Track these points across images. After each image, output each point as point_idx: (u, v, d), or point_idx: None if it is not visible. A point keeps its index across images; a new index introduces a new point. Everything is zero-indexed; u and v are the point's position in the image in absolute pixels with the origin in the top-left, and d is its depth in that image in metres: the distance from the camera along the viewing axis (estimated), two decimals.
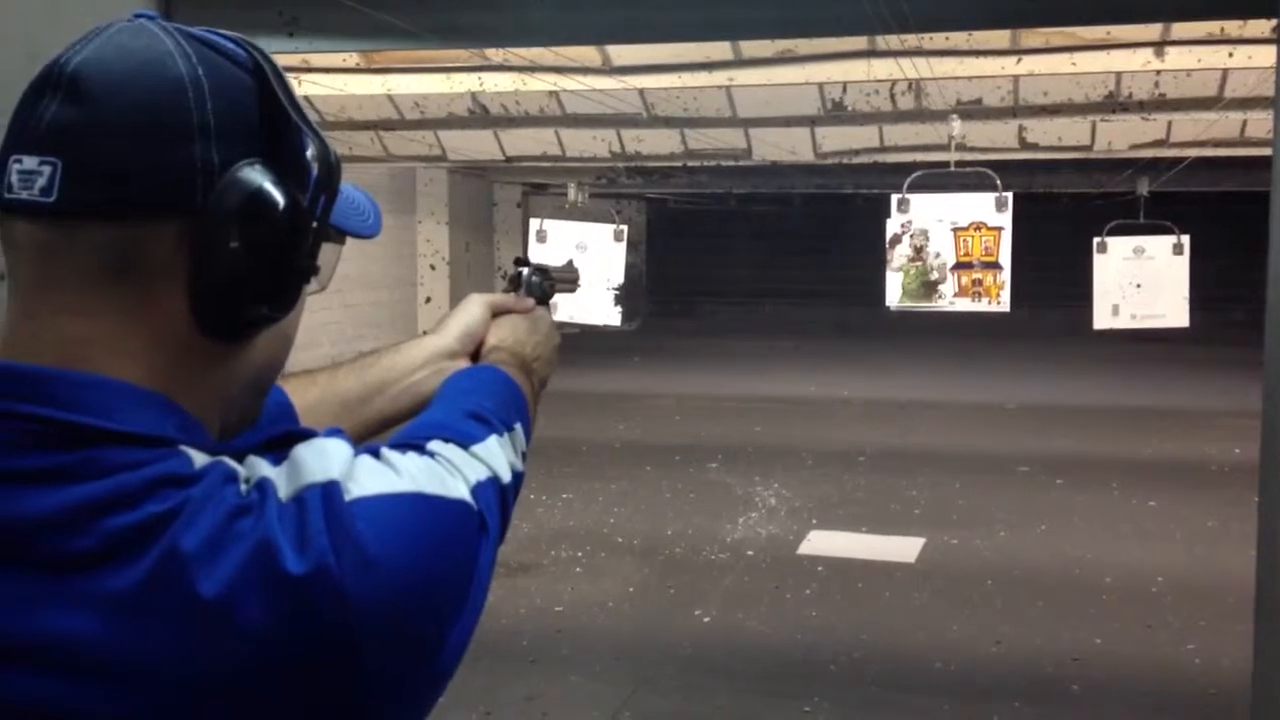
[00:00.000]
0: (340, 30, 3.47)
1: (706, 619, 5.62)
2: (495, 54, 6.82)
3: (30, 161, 0.79)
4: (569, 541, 6.83)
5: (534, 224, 7.31)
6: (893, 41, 5.06)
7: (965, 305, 6.42)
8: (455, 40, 4.10)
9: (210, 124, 0.81)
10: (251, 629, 0.74)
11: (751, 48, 6.92)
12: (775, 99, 7.76)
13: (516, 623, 5.47)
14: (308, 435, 0.84)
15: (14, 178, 0.80)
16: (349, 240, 1.07)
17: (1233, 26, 6.05)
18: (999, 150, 8.95)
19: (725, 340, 16.55)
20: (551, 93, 7.88)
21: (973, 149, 8.61)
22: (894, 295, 6.47)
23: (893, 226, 6.38)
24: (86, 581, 0.74)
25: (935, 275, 6.36)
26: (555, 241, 7.01)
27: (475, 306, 1.38)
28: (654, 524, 7.22)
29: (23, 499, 0.75)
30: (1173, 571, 6.25)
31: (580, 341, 11.68)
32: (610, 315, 6.86)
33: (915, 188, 6.48)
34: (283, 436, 0.84)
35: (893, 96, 7.69)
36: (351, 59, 7.37)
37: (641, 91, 7.71)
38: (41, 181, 0.79)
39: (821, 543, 6.86)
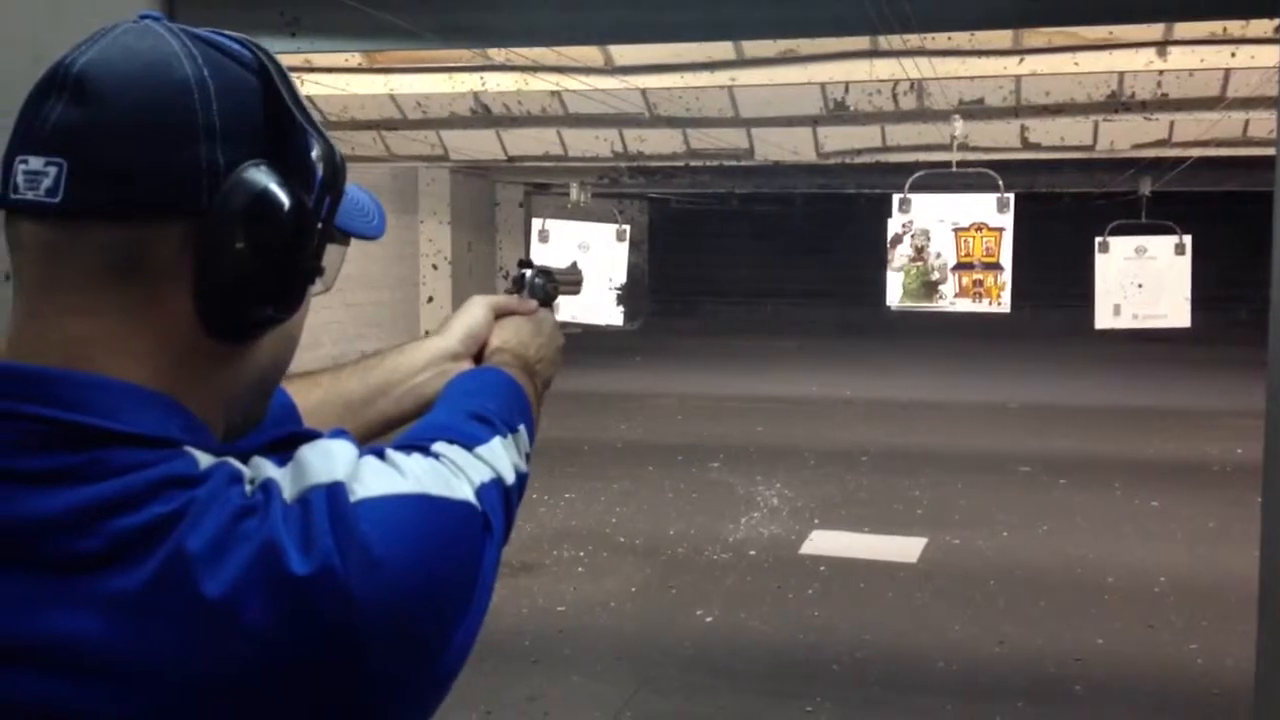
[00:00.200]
0: (342, 30, 3.47)
1: (709, 619, 5.62)
2: (497, 54, 6.82)
3: (36, 162, 0.79)
4: (571, 541, 6.83)
5: (536, 224, 7.30)
6: (895, 41, 5.06)
7: (966, 306, 6.41)
8: (457, 40, 4.11)
9: (216, 125, 0.81)
10: (256, 629, 0.74)
11: (754, 47, 6.92)
12: (777, 99, 7.76)
13: (518, 622, 5.47)
14: (312, 436, 0.85)
15: (19, 178, 0.80)
16: (351, 240, 1.07)
17: (1235, 26, 6.05)
18: (1001, 150, 8.95)
19: (727, 340, 16.55)
20: (554, 92, 7.88)
21: (975, 149, 8.61)
22: (894, 295, 6.46)
23: (894, 226, 6.37)
24: (92, 582, 0.74)
25: (936, 275, 6.35)
26: (557, 241, 7.00)
27: (478, 308, 1.38)
28: (656, 524, 7.22)
29: (28, 500, 0.75)
30: (1175, 571, 6.25)
31: (583, 341, 11.68)
32: (613, 315, 6.85)
33: (917, 188, 6.47)
34: (287, 437, 0.84)
35: (895, 96, 7.69)
36: (354, 59, 7.37)
37: (644, 91, 7.71)
38: (47, 182, 0.79)
39: (824, 542, 6.86)
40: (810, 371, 13.62)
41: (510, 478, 0.96)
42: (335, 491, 0.78)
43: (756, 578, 6.23)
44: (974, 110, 7.64)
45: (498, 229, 15.48)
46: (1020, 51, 6.78)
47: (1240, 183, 11.20)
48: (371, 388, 1.31)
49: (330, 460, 0.81)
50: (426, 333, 1.41)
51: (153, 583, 0.74)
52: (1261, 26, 5.65)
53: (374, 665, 0.77)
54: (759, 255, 18.91)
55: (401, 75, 7.73)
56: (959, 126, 7.18)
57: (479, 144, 9.75)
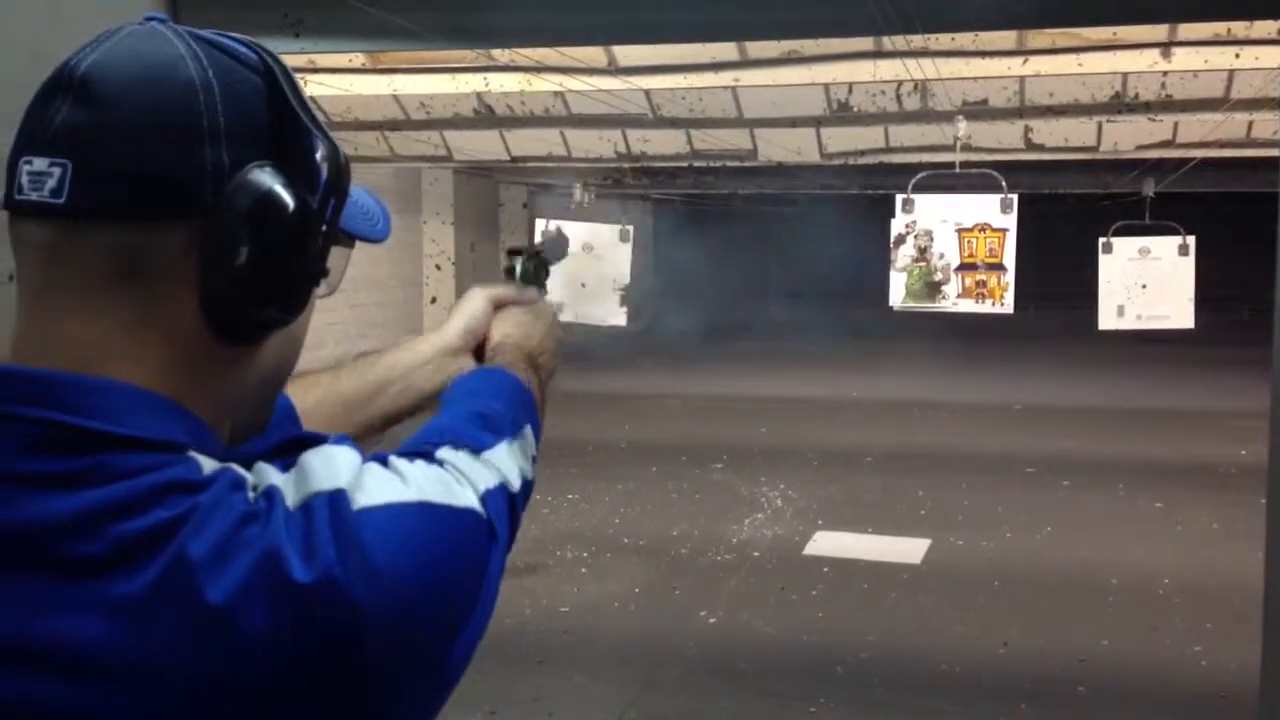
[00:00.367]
0: (346, 31, 3.47)
1: (712, 620, 5.62)
2: (501, 54, 6.81)
3: (40, 163, 0.79)
4: (575, 542, 6.83)
5: (539, 224, 7.31)
6: (899, 42, 5.06)
7: (969, 306, 6.41)
8: (461, 41, 4.10)
9: (221, 127, 0.81)
10: (257, 636, 0.74)
11: (757, 48, 6.91)
12: (781, 99, 7.75)
13: (522, 623, 5.48)
14: (316, 441, 0.84)
15: (24, 179, 0.80)
16: (356, 243, 1.07)
17: (1239, 27, 6.04)
18: (1005, 151, 8.93)
19: (730, 341, 16.55)
20: (557, 93, 7.88)
21: (978, 149, 8.60)
22: (897, 295, 6.46)
23: (897, 227, 6.37)
24: (94, 586, 0.74)
25: (939, 276, 6.35)
26: None
27: (477, 301, 1.37)
28: (660, 525, 7.21)
29: (31, 503, 0.75)
30: (1179, 573, 6.24)
31: (586, 342, 11.68)
32: (616, 315, 6.85)
33: (920, 188, 6.46)
34: (292, 442, 0.84)
35: (898, 97, 7.68)
36: (357, 59, 7.37)
37: (647, 92, 7.71)
38: (52, 183, 0.79)
39: (827, 544, 6.85)
40: (814, 372, 13.62)
41: (516, 483, 0.95)
42: (338, 499, 0.78)
43: (760, 579, 6.22)
44: (978, 111, 7.63)
45: (501, 229, 15.47)
46: (1024, 52, 6.77)
47: (1244, 184, 11.19)
48: (370, 385, 1.31)
49: (333, 467, 0.80)
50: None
51: (155, 588, 0.73)
52: (1266, 28, 5.65)
53: (375, 673, 0.77)
54: (762, 256, 18.90)
55: (405, 76, 7.73)
56: (962, 127, 7.18)
57: (482, 144, 9.74)
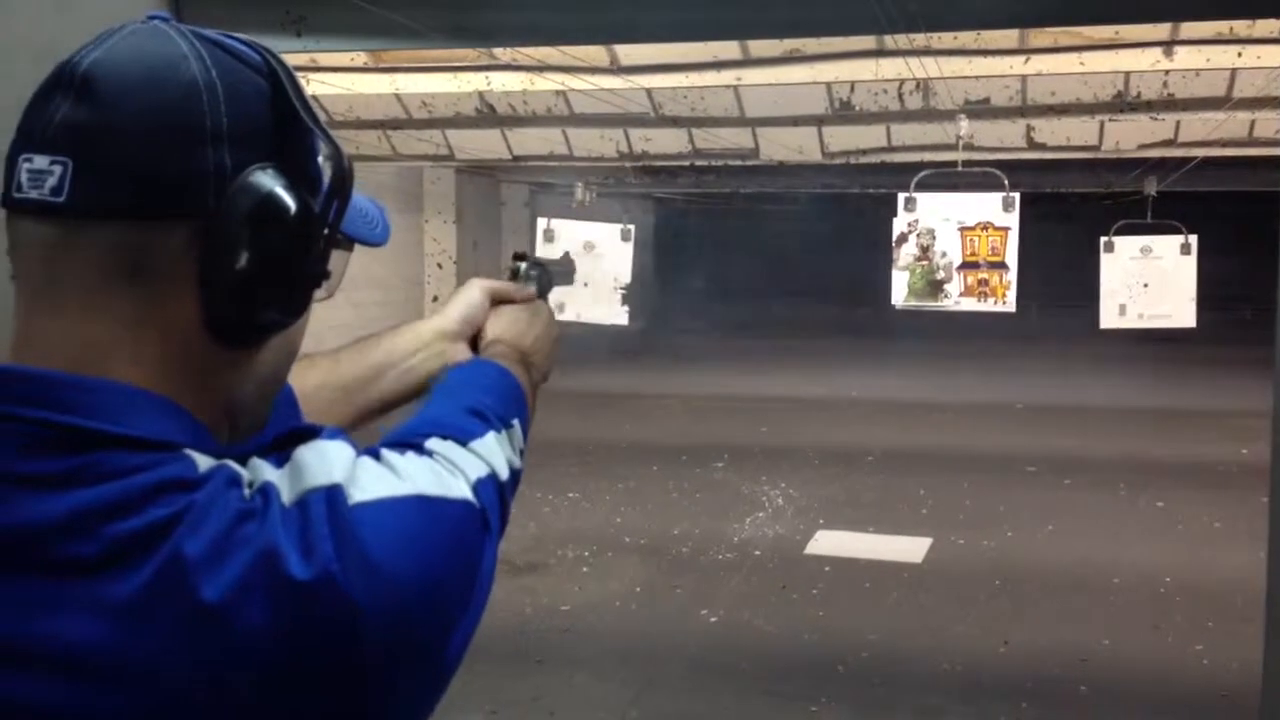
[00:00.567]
0: (348, 29, 3.47)
1: (713, 619, 5.62)
2: (503, 54, 6.81)
3: (41, 161, 0.79)
4: (575, 541, 6.83)
5: (541, 223, 7.29)
6: (901, 41, 5.05)
7: (971, 305, 6.40)
8: (463, 40, 4.10)
9: (224, 127, 0.81)
10: (254, 634, 0.73)
11: (759, 47, 6.91)
12: (783, 98, 7.75)
13: (523, 622, 5.48)
14: (310, 434, 0.84)
15: (23, 177, 0.80)
16: (355, 246, 1.07)
17: (1242, 26, 6.03)
18: (1006, 150, 8.92)
19: (731, 340, 16.55)
20: (559, 92, 7.87)
21: (980, 148, 8.59)
22: (899, 294, 6.45)
23: (899, 225, 6.36)
24: (90, 586, 0.73)
25: (941, 275, 6.34)
26: (562, 241, 6.99)
27: (475, 291, 1.37)
28: (661, 524, 7.21)
29: (26, 503, 0.75)
30: (1180, 572, 6.24)
31: (587, 341, 11.68)
32: (617, 315, 6.85)
33: (922, 187, 6.46)
34: (285, 436, 0.84)
35: (900, 96, 7.67)
36: (359, 58, 7.37)
37: (649, 91, 7.71)
38: (52, 181, 0.78)
39: (828, 543, 6.85)
40: (815, 371, 13.61)
41: (505, 473, 0.95)
42: (334, 495, 0.78)
43: (761, 578, 6.22)
44: (979, 110, 7.63)
45: (503, 228, 15.48)
46: (1026, 51, 6.77)
47: (1246, 183, 11.19)
48: (369, 369, 1.31)
49: (327, 462, 0.80)
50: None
51: (151, 587, 0.73)
52: (1268, 27, 5.64)
53: (374, 669, 0.77)
54: (764, 255, 18.89)
55: (407, 75, 7.73)
56: (964, 126, 7.18)
57: (484, 143, 9.73)
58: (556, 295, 1.54)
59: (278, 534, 0.75)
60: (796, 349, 15.55)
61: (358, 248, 1.08)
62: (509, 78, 7.61)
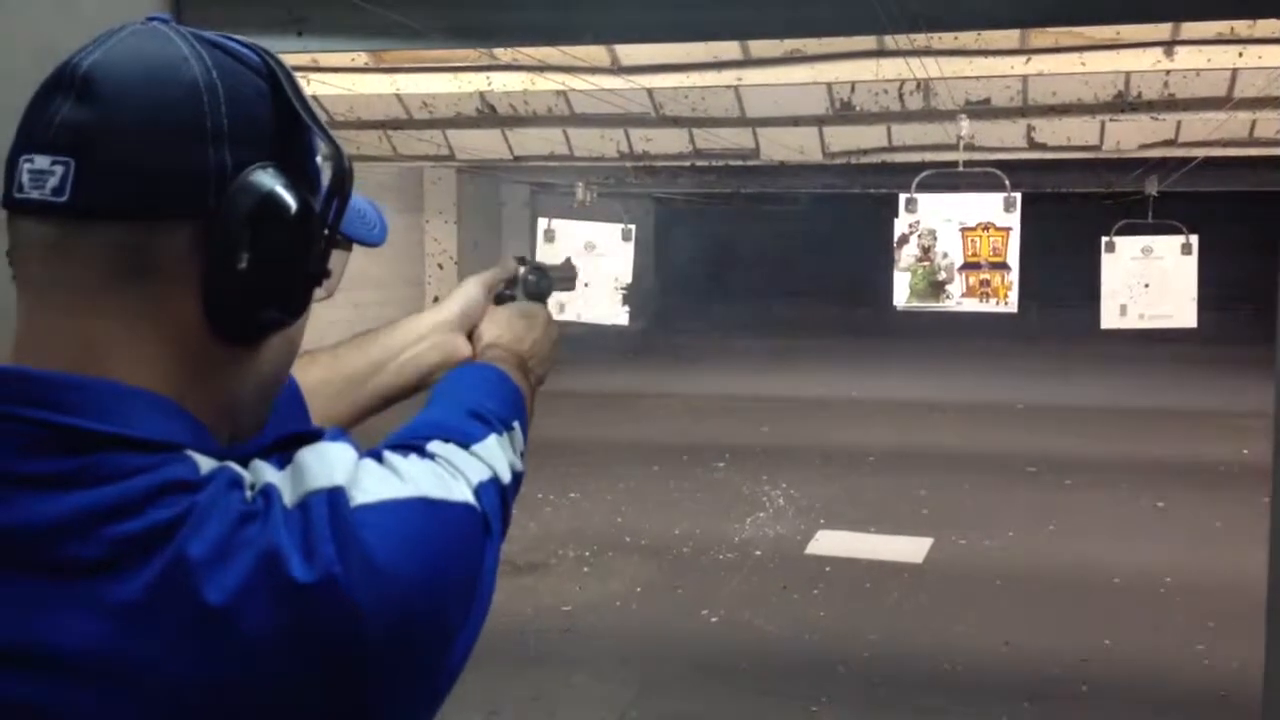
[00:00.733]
0: (349, 30, 3.47)
1: (714, 619, 5.62)
2: (503, 54, 6.81)
3: (42, 161, 0.79)
4: (576, 541, 6.83)
5: (542, 223, 7.29)
6: (901, 41, 5.05)
7: (973, 305, 6.40)
8: (464, 40, 4.10)
9: (224, 127, 0.81)
10: (257, 637, 0.73)
11: (760, 47, 6.90)
12: (783, 99, 7.75)
13: (524, 622, 5.48)
14: (312, 437, 0.84)
15: (25, 177, 0.80)
16: (354, 247, 1.07)
17: (1242, 26, 6.03)
18: (1007, 150, 8.92)
19: (732, 340, 16.55)
20: (559, 92, 7.87)
21: (981, 149, 8.59)
22: (901, 295, 6.45)
23: (900, 226, 6.36)
24: (92, 588, 0.73)
25: (943, 275, 6.34)
26: (563, 241, 7.00)
27: (472, 287, 1.39)
28: (661, 524, 7.21)
29: (27, 504, 0.75)
30: (1181, 572, 6.24)
31: (588, 341, 11.68)
32: (618, 315, 6.84)
33: (923, 187, 6.46)
34: (287, 438, 0.84)
35: (901, 96, 7.67)
36: (360, 58, 7.37)
37: (650, 91, 7.70)
38: (54, 181, 0.78)
39: (829, 543, 6.85)
40: (816, 372, 13.61)
41: (506, 476, 0.95)
42: (336, 497, 0.78)
43: (762, 578, 6.22)
44: (980, 110, 7.63)
45: (503, 228, 15.48)
46: (1027, 51, 6.77)
47: (1247, 183, 11.18)
48: (371, 363, 1.32)
49: (329, 464, 0.80)
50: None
51: (154, 589, 0.73)
52: (1269, 27, 5.63)
53: (376, 672, 0.76)
54: (764, 255, 18.89)
55: (407, 75, 7.72)
56: (965, 126, 7.17)
57: (485, 144, 9.73)
58: (556, 295, 1.54)
59: (280, 536, 0.75)
60: (797, 349, 15.55)
61: (356, 248, 1.08)
62: (510, 78, 7.61)
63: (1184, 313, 6.98)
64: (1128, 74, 7.14)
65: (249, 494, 0.78)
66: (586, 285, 6.47)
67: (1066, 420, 10.58)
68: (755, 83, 7.47)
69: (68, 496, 0.75)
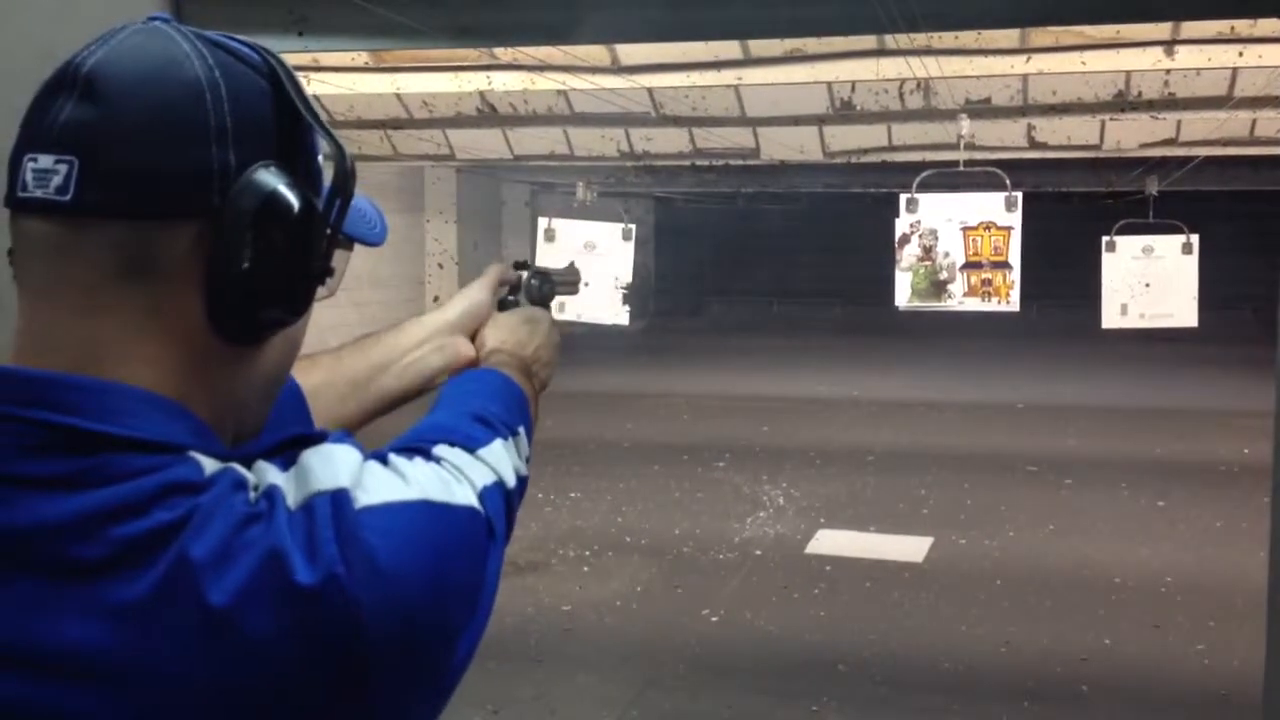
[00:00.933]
0: (350, 29, 3.47)
1: (714, 619, 5.62)
2: (504, 53, 6.81)
3: (46, 160, 0.79)
4: (577, 541, 6.83)
5: (542, 223, 7.30)
6: (901, 40, 5.05)
7: (974, 305, 6.40)
8: (464, 39, 4.10)
9: (227, 126, 0.81)
10: (260, 638, 0.73)
11: (760, 47, 6.90)
12: (784, 98, 7.75)
13: (524, 622, 5.48)
14: (317, 439, 0.84)
15: (29, 176, 0.80)
16: (355, 246, 1.07)
17: (1243, 26, 6.03)
18: (1008, 149, 8.92)
19: (733, 340, 16.55)
20: (560, 92, 7.87)
21: (982, 148, 8.59)
22: (903, 295, 6.45)
23: (901, 226, 6.36)
24: (95, 589, 0.73)
25: (944, 275, 6.34)
26: (563, 240, 7.00)
27: (477, 290, 1.40)
28: (662, 523, 7.22)
29: (30, 505, 0.74)
30: (1182, 572, 6.24)
31: (588, 341, 11.68)
32: (618, 314, 6.85)
33: (924, 187, 6.46)
34: (291, 440, 0.84)
35: (901, 95, 7.67)
36: (361, 58, 7.37)
37: (650, 91, 7.70)
38: (57, 180, 0.78)
39: (829, 542, 6.85)
40: (817, 371, 13.61)
41: (511, 480, 0.96)
42: (339, 499, 0.78)
43: (762, 577, 6.23)
44: (981, 109, 7.63)
45: (504, 228, 15.49)
46: (1027, 50, 6.77)
47: (1247, 182, 11.18)
48: (373, 365, 1.32)
49: (333, 466, 0.80)
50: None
51: (156, 591, 0.73)
52: (1269, 26, 5.63)
53: (379, 674, 0.76)
54: (765, 255, 18.89)
55: (408, 75, 7.72)
56: (966, 126, 7.18)
57: (485, 143, 9.74)
58: (558, 296, 1.55)
59: (283, 537, 0.75)
60: (797, 349, 15.55)
61: (357, 248, 1.08)
62: (510, 77, 7.61)
63: (1185, 312, 6.98)
64: (1128, 73, 7.14)
65: (253, 495, 0.78)
66: (587, 285, 6.46)
67: (1066, 420, 10.57)
68: (755, 82, 7.47)
69: (71, 497, 0.74)
